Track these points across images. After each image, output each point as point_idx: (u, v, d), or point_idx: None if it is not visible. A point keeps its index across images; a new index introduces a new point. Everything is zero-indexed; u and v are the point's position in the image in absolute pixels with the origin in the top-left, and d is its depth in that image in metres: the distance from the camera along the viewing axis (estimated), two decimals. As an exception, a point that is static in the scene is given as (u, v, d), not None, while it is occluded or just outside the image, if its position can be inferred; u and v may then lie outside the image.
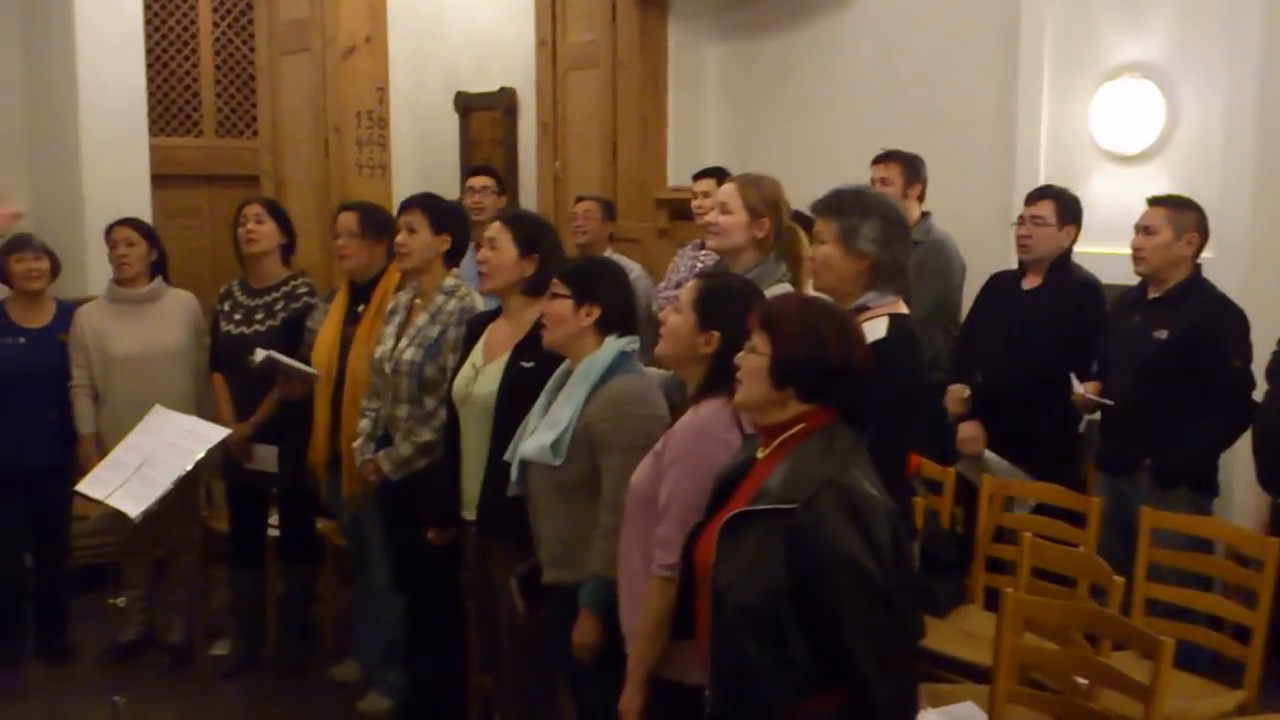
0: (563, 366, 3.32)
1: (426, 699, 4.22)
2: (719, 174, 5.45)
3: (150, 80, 7.39)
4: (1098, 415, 4.46)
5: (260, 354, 4.49)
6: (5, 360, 4.84)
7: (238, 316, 4.85)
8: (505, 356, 3.61)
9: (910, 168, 5.01)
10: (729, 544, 2.35)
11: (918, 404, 3.17)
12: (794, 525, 2.27)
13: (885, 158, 5.04)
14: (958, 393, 4.60)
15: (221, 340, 4.88)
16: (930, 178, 5.08)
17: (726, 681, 2.36)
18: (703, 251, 5.16)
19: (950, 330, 4.91)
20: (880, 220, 2.97)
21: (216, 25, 8.23)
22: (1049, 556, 3.74)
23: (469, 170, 6.52)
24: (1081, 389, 4.33)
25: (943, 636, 3.89)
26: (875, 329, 2.86)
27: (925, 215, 4.99)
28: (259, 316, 4.82)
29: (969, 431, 4.56)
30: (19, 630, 5.08)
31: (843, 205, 3.00)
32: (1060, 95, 5.29)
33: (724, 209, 3.54)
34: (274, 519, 5.07)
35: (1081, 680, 3.23)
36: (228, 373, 4.86)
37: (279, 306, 4.83)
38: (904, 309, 3.01)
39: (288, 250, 4.96)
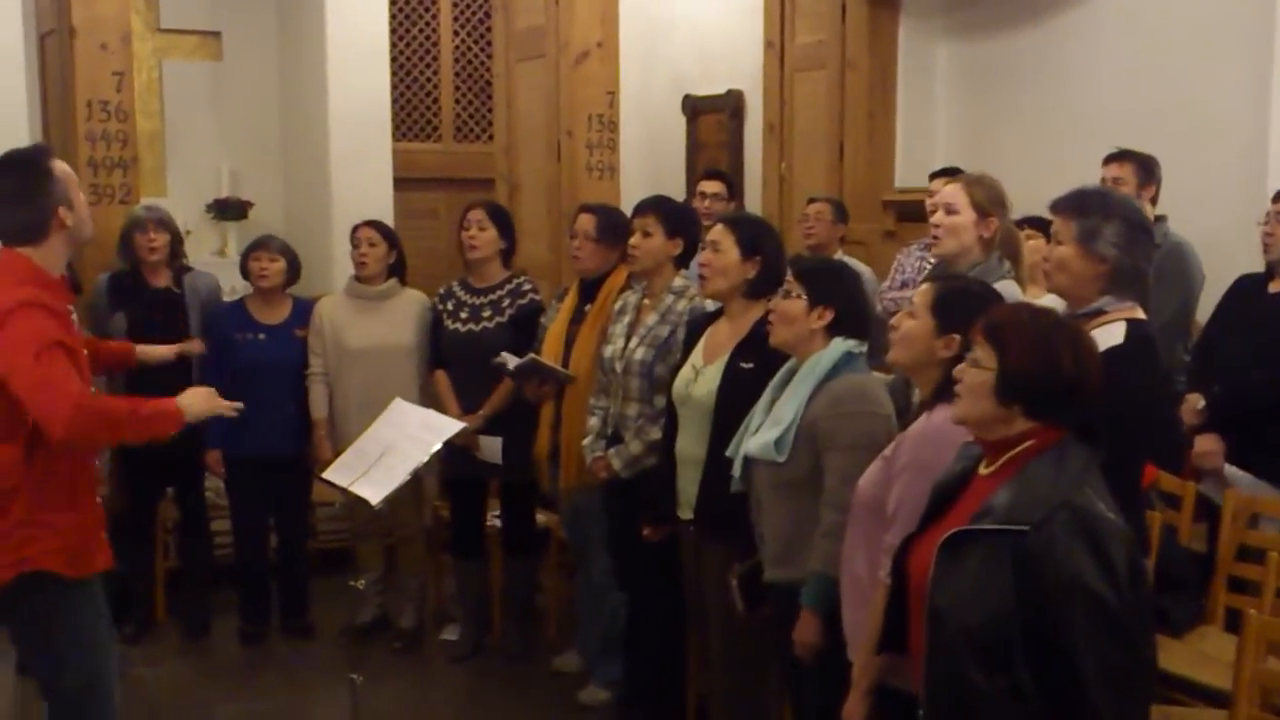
0: (787, 365, 3.32)
1: (644, 693, 4.29)
2: (958, 174, 5.34)
3: (394, 88, 7.70)
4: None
5: (510, 358, 4.57)
6: (246, 355, 5.09)
7: (464, 315, 4.96)
8: (725, 358, 3.63)
9: (1144, 168, 4.80)
10: (949, 563, 2.26)
11: (1153, 414, 3.05)
12: (1024, 549, 2.17)
13: (1118, 157, 4.84)
14: (1193, 402, 4.39)
15: (448, 338, 4.99)
16: (1173, 178, 4.86)
17: (945, 707, 2.28)
18: (930, 252, 5.07)
19: (1185, 341, 4.70)
20: (1123, 223, 2.87)
21: (456, 34, 8.55)
22: (1299, 578, 3.55)
23: (703, 173, 6.55)
24: None
25: (1180, 658, 3.72)
26: (1112, 334, 2.77)
27: (1161, 219, 4.77)
28: (486, 314, 4.93)
29: (1205, 445, 4.34)
30: (267, 608, 5.37)
31: (1085, 206, 2.91)
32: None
33: (949, 209, 3.50)
34: (495, 510, 5.21)
35: (1331, 710, 3.06)
36: (452, 369, 4.98)
37: (506, 304, 4.94)
38: (1141, 314, 2.90)
39: (508, 254, 5.07)
